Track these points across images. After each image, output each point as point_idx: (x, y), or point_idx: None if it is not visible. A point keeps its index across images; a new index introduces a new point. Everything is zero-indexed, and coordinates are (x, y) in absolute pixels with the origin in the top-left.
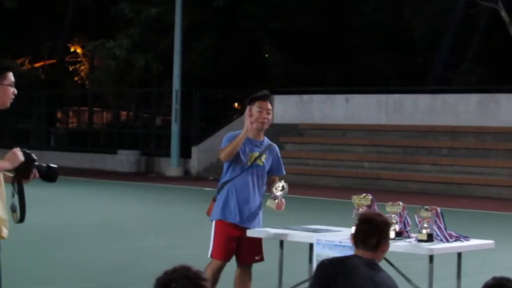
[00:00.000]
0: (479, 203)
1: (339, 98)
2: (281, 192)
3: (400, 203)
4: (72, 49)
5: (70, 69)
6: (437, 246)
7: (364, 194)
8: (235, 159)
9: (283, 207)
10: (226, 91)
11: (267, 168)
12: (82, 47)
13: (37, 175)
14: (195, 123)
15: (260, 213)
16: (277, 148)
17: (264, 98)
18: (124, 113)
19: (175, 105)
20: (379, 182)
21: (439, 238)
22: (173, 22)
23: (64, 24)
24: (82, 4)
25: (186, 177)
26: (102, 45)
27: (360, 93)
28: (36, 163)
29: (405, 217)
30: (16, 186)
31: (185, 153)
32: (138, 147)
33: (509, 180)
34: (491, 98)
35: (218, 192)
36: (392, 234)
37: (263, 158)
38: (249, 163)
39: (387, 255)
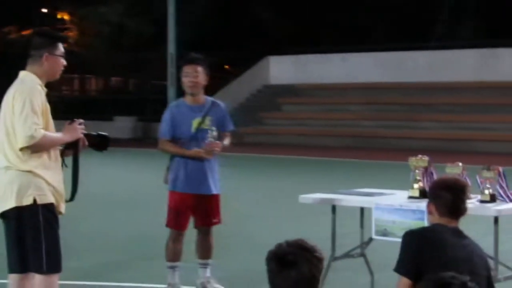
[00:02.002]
0: (485, 158)
1: (336, 58)
2: (210, 138)
3: (460, 164)
4: (58, 16)
5: None
6: (504, 207)
7: (420, 156)
8: (177, 134)
9: (213, 147)
10: (221, 53)
11: (213, 127)
12: (70, 14)
13: (86, 143)
14: None
15: (215, 176)
16: (222, 105)
17: (188, 62)
18: (118, 79)
19: (171, 69)
20: (380, 140)
21: (501, 198)
22: None
23: None
24: None
25: None
26: (94, 10)
27: (357, 52)
28: (85, 131)
29: (465, 178)
30: (66, 160)
31: None
32: (134, 113)
33: None
34: (491, 53)
35: (170, 162)
36: None
37: (208, 120)
38: (193, 131)
39: None
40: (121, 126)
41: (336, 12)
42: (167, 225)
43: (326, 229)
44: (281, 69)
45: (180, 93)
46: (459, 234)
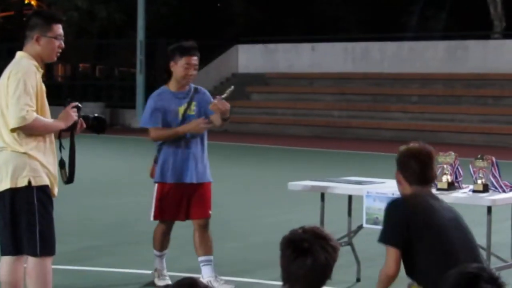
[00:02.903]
0: (454, 150)
1: (305, 47)
2: (225, 95)
3: (452, 153)
4: (26, 1)
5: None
6: (498, 197)
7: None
8: (164, 122)
9: (222, 107)
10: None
11: (200, 114)
12: None
13: (84, 125)
14: (160, 74)
15: (205, 163)
16: (203, 89)
17: (192, 52)
18: (86, 65)
19: (140, 56)
20: (350, 130)
21: (493, 188)
22: None
23: None
24: None
25: None
26: None
27: (326, 41)
28: (82, 114)
29: (457, 168)
30: (60, 142)
31: None
32: (102, 99)
33: (482, 127)
34: (459, 44)
35: (158, 153)
36: (444, 185)
37: (193, 106)
38: (180, 118)
39: None
40: (89, 112)
41: (306, 1)
42: (155, 218)
43: (309, 216)
44: (250, 58)
45: (150, 80)
46: (436, 197)
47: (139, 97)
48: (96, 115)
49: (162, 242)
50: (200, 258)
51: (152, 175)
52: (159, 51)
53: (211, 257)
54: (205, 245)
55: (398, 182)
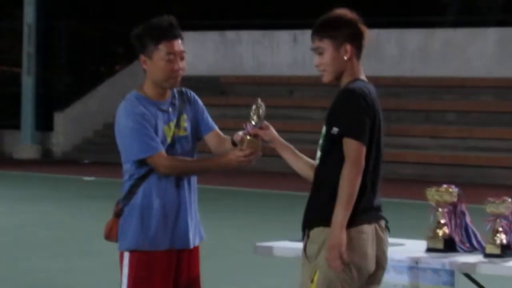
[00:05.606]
0: (510, 194)
1: (283, 36)
2: (257, 120)
3: (509, 199)
4: None
5: None
6: None
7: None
8: None
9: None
10: (106, 26)
11: (193, 133)
12: None
13: None
14: (60, 77)
15: (198, 217)
16: (192, 92)
17: (173, 32)
18: None
19: (28, 48)
20: None
21: None
22: None
23: None
24: None
25: (46, 159)
26: None
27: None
28: None
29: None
30: None
31: (43, 124)
32: None
33: None
34: None
35: (127, 201)
36: (497, 250)
37: (183, 122)
38: (168, 141)
39: (481, 279)
40: None
41: None
42: None
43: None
44: (200, 53)
45: (43, 85)
46: None
47: (26, 111)
48: None
49: None
50: None
51: (110, 236)
52: (57, 40)
53: None
54: None
55: (348, 55)
